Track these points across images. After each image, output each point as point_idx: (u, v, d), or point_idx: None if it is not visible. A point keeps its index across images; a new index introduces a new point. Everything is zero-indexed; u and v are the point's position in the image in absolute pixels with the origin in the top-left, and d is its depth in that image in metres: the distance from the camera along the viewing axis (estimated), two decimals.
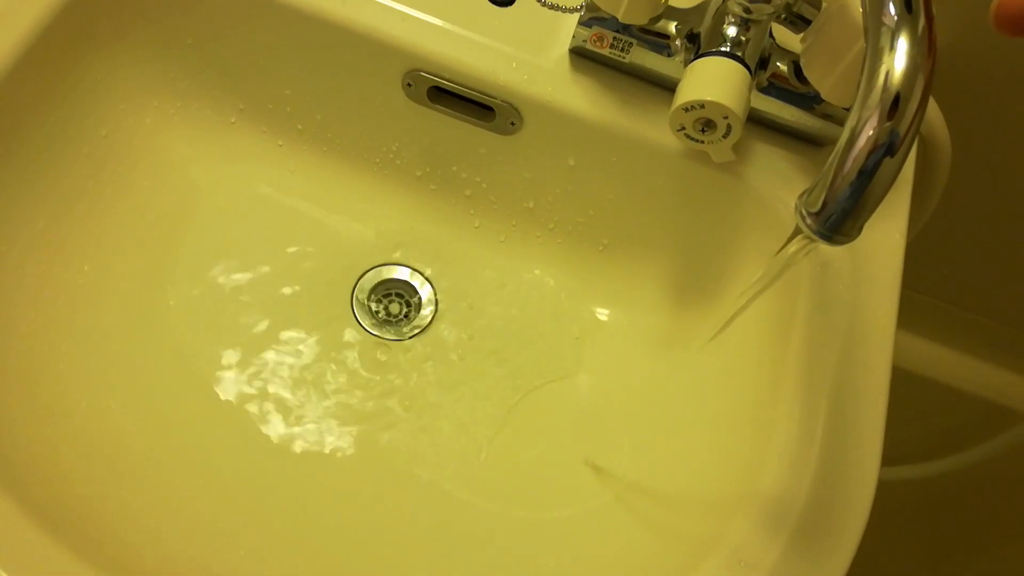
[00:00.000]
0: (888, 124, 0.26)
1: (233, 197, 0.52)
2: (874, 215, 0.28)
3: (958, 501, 0.79)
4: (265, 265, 0.51)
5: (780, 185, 0.45)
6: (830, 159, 0.27)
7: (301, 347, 0.49)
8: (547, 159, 0.49)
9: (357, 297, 0.51)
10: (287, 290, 0.50)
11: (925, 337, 0.69)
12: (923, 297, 0.67)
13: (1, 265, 0.42)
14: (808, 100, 0.44)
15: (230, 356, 0.48)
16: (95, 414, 0.43)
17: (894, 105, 0.26)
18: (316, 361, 0.49)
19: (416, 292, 0.52)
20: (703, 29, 0.42)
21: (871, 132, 0.26)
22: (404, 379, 0.49)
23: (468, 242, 0.53)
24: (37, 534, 0.34)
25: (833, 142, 0.46)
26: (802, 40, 0.41)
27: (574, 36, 0.45)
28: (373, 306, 0.51)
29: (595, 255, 0.53)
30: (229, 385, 0.47)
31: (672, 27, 0.43)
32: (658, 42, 0.44)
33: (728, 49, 0.40)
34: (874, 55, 0.27)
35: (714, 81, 0.39)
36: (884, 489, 0.40)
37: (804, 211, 0.28)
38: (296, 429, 0.47)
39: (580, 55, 0.46)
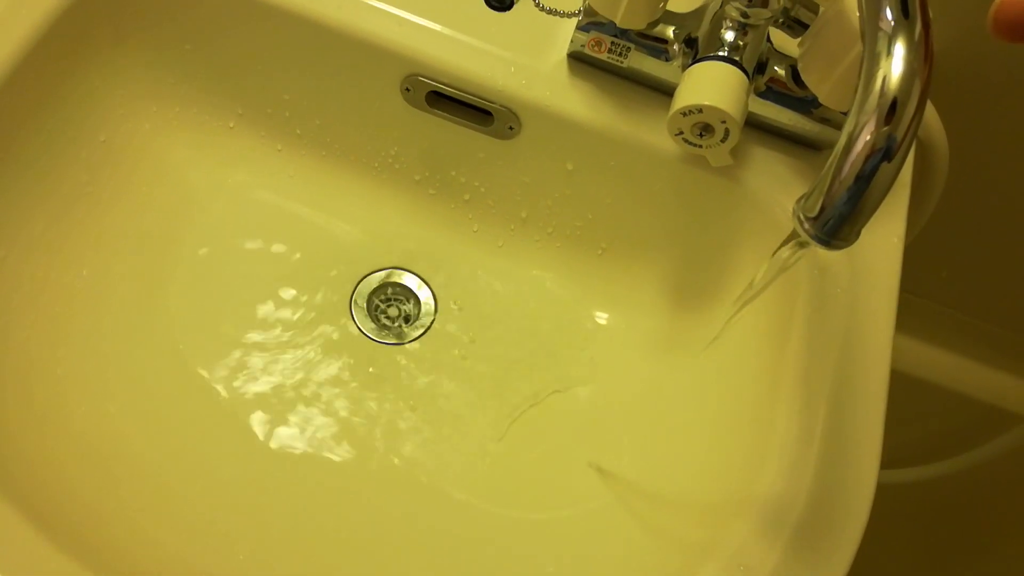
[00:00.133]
0: (885, 129, 0.26)
1: (231, 202, 0.52)
2: (872, 219, 0.28)
3: (957, 504, 0.79)
4: (263, 269, 0.51)
5: (778, 189, 0.45)
6: (827, 164, 0.28)
7: (299, 351, 0.49)
8: (545, 163, 0.49)
9: (356, 301, 0.51)
10: (285, 294, 0.50)
11: (923, 340, 0.69)
12: (921, 300, 0.67)
13: None
14: (806, 104, 0.44)
15: (228, 360, 0.48)
16: (93, 418, 0.43)
17: (891, 110, 0.26)
18: (314, 365, 0.49)
19: (415, 296, 0.52)
20: (701, 34, 0.42)
21: (868, 137, 0.26)
22: (403, 383, 0.49)
23: (467, 246, 0.53)
24: (35, 538, 0.34)
25: (831, 146, 0.46)
26: (800, 44, 0.42)
27: (572, 41, 0.45)
28: (372, 310, 0.51)
29: (594, 259, 0.53)
30: (227, 389, 0.47)
31: (670, 32, 0.43)
32: (656, 47, 0.44)
33: (726, 54, 0.40)
34: (871, 60, 0.27)
35: (712, 86, 0.39)
36: (883, 492, 0.40)
37: (802, 216, 0.28)
38: (294, 433, 0.47)
39: (578, 60, 0.46)
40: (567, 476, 0.48)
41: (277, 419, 0.47)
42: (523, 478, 0.48)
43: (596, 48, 0.45)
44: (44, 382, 0.43)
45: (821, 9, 0.41)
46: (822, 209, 0.28)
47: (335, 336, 0.50)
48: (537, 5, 0.48)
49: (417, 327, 0.51)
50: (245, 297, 0.50)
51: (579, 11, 0.48)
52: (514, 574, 0.44)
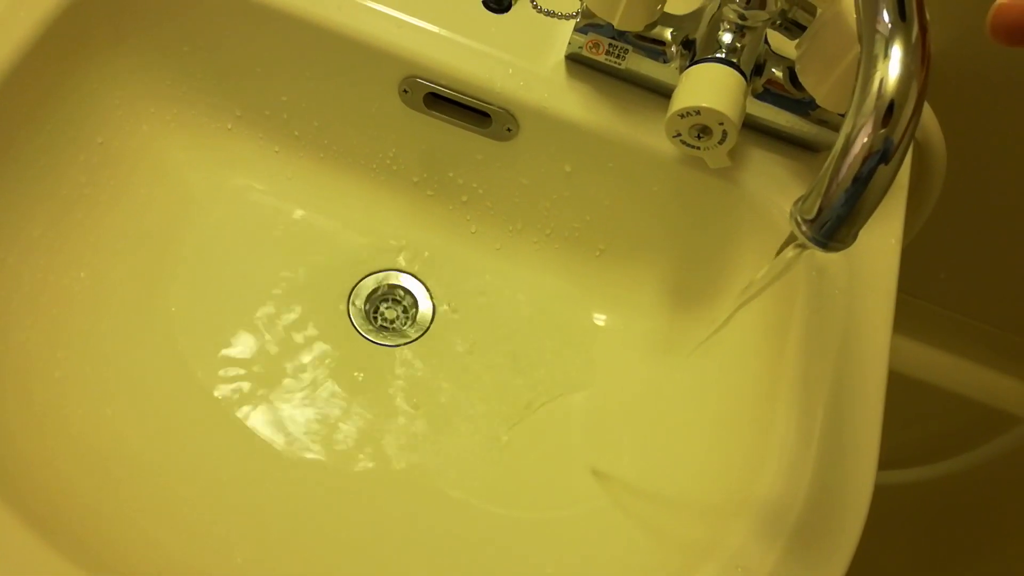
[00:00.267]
0: (883, 131, 0.26)
1: (230, 203, 0.52)
2: (870, 220, 0.28)
3: (954, 505, 0.79)
4: (261, 271, 0.51)
5: (776, 190, 0.45)
6: (825, 166, 0.28)
7: (297, 353, 0.49)
8: (543, 165, 0.49)
9: (354, 303, 0.51)
10: (283, 296, 0.50)
11: (921, 341, 0.69)
12: (919, 301, 0.67)
13: None
14: (803, 106, 0.44)
15: (227, 362, 0.48)
16: (92, 419, 0.43)
17: (888, 112, 0.26)
18: (312, 367, 0.49)
19: (413, 298, 0.52)
20: (698, 36, 0.42)
21: (866, 139, 0.26)
22: (401, 385, 0.49)
23: (465, 248, 0.53)
24: (33, 540, 0.34)
25: (828, 147, 0.46)
26: (797, 46, 0.42)
27: (570, 43, 0.45)
28: (370, 312, 0.51)
29: (592, 260, 0.53)
30: (226, 391, 0.47)
31: (668, 34, 0.43)
32: (654, 48, 0.44)
33: (723, 55, 0.40)
34: (868, 62, 0.27)
35: (710, 87, 0.39)
36: (881, 493, 0.40)
37: (799, 218, 0.28)
38: (292, 434, 0.47)
39: (576, 62, 0.46)
40: (566, 477, 0.48)
41: (275, 421, 0.47)
42: (522, 479, 0.48)
43: (594, 50, 0.45)
44: (43, 384, 0.43)
45: (819, 11, 0.41)
46: (819, 211, 0.28)
47: (333, 338, 0.50)
48: (535, 7, 0.48)
49: (415, 329, 0.51)
50: (243, 299, 0.50)
51: (577, 13, 0.48)
52: (514, 575, 0.44)
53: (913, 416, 0.71)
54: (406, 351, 0.51)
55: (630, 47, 0.44)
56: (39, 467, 0.40)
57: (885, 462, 0.41)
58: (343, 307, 0.51)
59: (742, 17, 0.40)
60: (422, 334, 0.51)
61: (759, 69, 0.43)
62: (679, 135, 0.40)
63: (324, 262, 0.52)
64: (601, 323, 0.53)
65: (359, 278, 0.52)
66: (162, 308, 0.48)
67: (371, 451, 0.47)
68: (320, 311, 0.50)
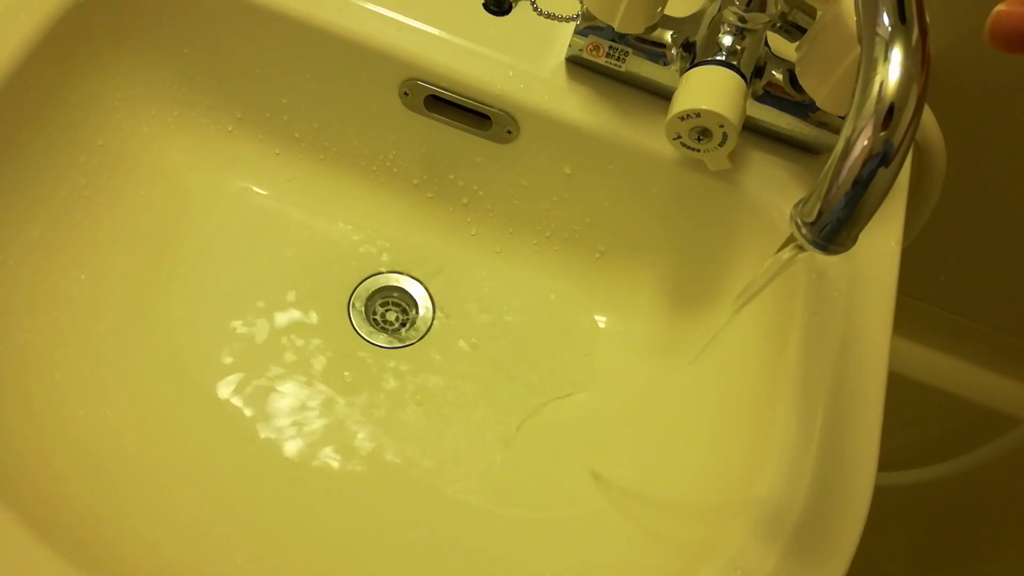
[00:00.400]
0: (883, 134, 0.26)
1: (230, 205, 0.52)
2: (870, 222, 0.28)
3: (954, 506, 0.79)
4: (261, 274, 0.51)
5: (776, 192, 0.45)
6: (825, 169, 0.28)
7: (296, 355, 0.49)
8: (544, 167, 0.49)
9: (354, 305, 0.51)
10: (282, 298, 0.50)
11: (921, 343, 0.69)
12: (919, 303, 0.67)
13: None
14: (803, 108, 0.44)
15: (226, 364, 0.48)
16: (91, 422, 0.43)
17: (888, 115, 0.26)
18: (312, 369, 0.49)
19: (413, 300, 0.52)
20: (699, 38, 0.42)
21: (866, 142, 0.26)
22: (400, 387, 0.49)
23: (465, 250, 0.53)
24: (32, 542, 0.34)
25: (828, 150, 0.46)
26: (797, 49, 0.42)
27: (570, 45, 0.45)
28: (370, 314, 0.51)
29: (592, 262, 0.53)
30: (225, 393, 0.47)
31: (668, 36, 0.43)
32: (654, 51, 0.44)
33: (723, 58, 0.40)
34: (868, 65, 0.27)
35: (710, 90, 0.39)
36: (880, 494, 0.40)
37: (799, 221, 0.28)
38: (292, 436, 0.47)
39: (576, 64, 0.47)
40: (566, 479, 0.48)
41: (274, 423, 0.47)
42: (522, 480, 0.48)
43: (594, 52, 0.45)
44: (42, 385, 0.43)
45: (818, 14, 0.41)
46: (819, 214, 0.28)
47: (333, 340, 0.50)
48: (535, 9, 0.48)
49: (415, 331, 0.51)
50: (243, 301, 0.50)
51: (577, 15, 0.48)
52: None
53: (913, 418, 0.71)
54: (406, 353, 0.51)
55: (630, 49, 0.44)
56: (38, 468, 0.40)
57: (885, 463, 0.41)
58: (343, 309, 0.51)
59: (742, 20, 0.40)
60: (422, 336, 0.51)
61: (759, 71, 0.43)
62: (679, 137, 0.41)
63: (324, 264, 0.52)
64: (601, 324, 0.53)
65: (359, 280, 0.52)
66: (161, 310, 0.48)
67: (371, 452, 0.47)
68: (320, 313, 0.50)
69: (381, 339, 0.51)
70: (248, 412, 0.47)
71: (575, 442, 0.49)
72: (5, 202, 0.43)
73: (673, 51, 0.43)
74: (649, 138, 0.46)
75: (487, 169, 0.51)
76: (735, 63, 0.40)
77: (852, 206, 0.27)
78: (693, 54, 0.42)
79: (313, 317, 0.50)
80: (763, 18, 0.40)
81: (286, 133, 0.52)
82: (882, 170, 0.26)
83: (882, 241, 0.45)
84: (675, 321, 0.51)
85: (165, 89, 0.50)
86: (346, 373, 0.49)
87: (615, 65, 0.45)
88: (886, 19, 0.27)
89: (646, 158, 0.46)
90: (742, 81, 0.40)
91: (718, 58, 0.40)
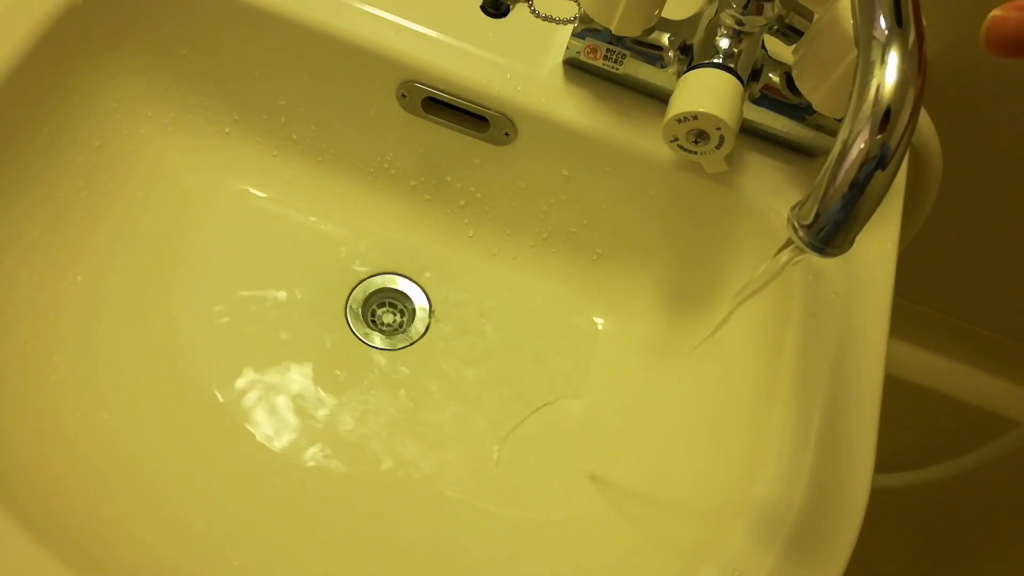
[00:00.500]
0: (879, 137, 0.26)
1: (227, 207, 0.52)
2: (866, 224, 0.28)
3: (950, 508, 0.79)
4: (259, 275, 0.51)
5: (772, 195, 0.46)
6: (822, 172, 0.28)
7: (295, 357, 0.49)
8: (541, 169, 0.49)
9: (351, 307, 0.51)
10: (280, 300, 0.50)
11: (917, 345, 0.69)
12: (915, 305, 0.67)
13: None
14: (800, 111, 0.44)
15: (224, 366, 0.48)
16: (88, 425, 0.43)
17: (885, 119, 0.26)
18: (310, 371, 0.49)
19: (411, 302, 0.52)
20: (696, 41, 0.42)
21: (862, 145, 0.26)
22: (397, 388, 0.49)
23: (462, 252, 0.53)
24: (30, 544, 0.34)
25: (825, 152, 0.46)
26: (794, 52, 0.42)
27: (568, 48, 0.45)
28: (367, 316, 0.51)
29: (589, 264, 0.53)
30: (223, 395, 0.47)
31: (665, 39, 0.43)
32: (651, 54, 0.44)
33: (721, 61, 0.40)
34: (865, 69, 0.27)
35: (707, 93, 0.39)
36: (876, 496, 0.40)
37: (796, 224, 0.29)
38: (290, 438, 0.47)
39: (574, 66, 0.47)
40: (564, 480, 0.48)
41: (272, 425, 0.47)
42: (520, 481, 0.48)
43: (591, 55, 0.45)
44: (40, 387, 0.43)
45: (815, 16, 0.41)
46: (816, 217, 0.28)
47: (330, 342, 0.50)
48: (533, 12, 0.49)
49: (412, 333, 0.51)
50: (241, 302, 0.50)
51: (575, 18, 0.48)
52: None
53: (909, 420, 0.72)
54: (404, 355, 0.51)
55: (628, 52, 0.44)
56: (36, 470, 0.40)
57: (881, 466, 0.41)
58: (340, 311, 0.51)
59: (739, 22, 0.40)
60: (419, 338, 0.51)
61: (756, 74, 0.43)
62: (676, 140, 0.41)
63: (321, 266, 0.52)
64: (598, 326, 0.53)
65: (356, 282, 0.52)
66: (160, 311, 0.48)
67: (367, 455, 0.47)
68: (317, 315, 0.50)
69: (378, 341, 0.51)
70: (246, 414, 0.47)
71: (573, 443, 0.49)
72: (3, 203, 0.43)
73: (670, 54, 0.43)
74: (646, 140, 0.46)
75: (485, 171, 0.51)
76: (732, 66, 0.40)
77: (849, 209, 0.27)
78: (690, 57, 0.42)
79: (310, 319, 0.50)
80: (760, 21, 0.40)
81: (284, 135, 0.52)
82: (879, 173, 0.27)
83: (879, 243, 0.46)
84: (673, 322, 0.51)
85: (163, 91, 0.50)
86: (343, 375, 0.49)
87: (612, 67, 0.45)
88: (883, 22, 0.27)
89: (643, 160, 0.46)
90: (739, 84, 0.40)
91: (715, 61, 0.40)
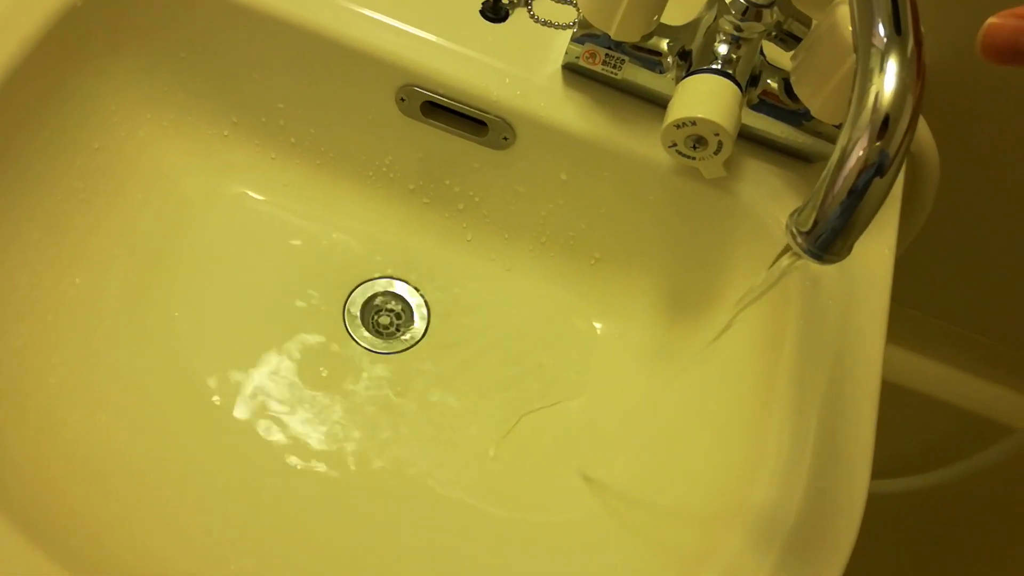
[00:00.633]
0: (878, 145, 0.26)
1: (226, 210, 0.52)
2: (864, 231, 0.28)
3: (947, 514, 0.79)
4: (256, 278, 0.51)
5: (771, 200, 0.46)
6: (820, 179, 0.28)
7: (293, 360, 0.49)
8: (540, 174, 0.49)
9: (349, 310, 0.51)
10: (278, 303, 0.50)
11: (914, 351, 0.69)
12: (912, 311, 0.67)
13: None
14: (798, 117, 0.44)
15: (222, 369, 0.48)
16: (86, 427, 0.43)
17: (884, 126, 0.26)
18: (308, 374, 0.49)
19: (408, 305, 0.52)
20: (694, 47, 0.42)
21: (861, 152, 0.27)
22: (396, 392, 0.49)
23: (460, 255, 0.53)
24: (27, 548, 0.34)
25: (823, 158, 0.46)
26: (792, 58, 0.42)
27: (567, 52, 0.46)
28: (365, 319, 0.51)
29: (587, 268, 0.53)
30: (221, 398, 0.47)
31: (664, 44, 0.43)
32: (650, 59, 0.44)
33: (719, 66, 0.40)
34: (864, 76, 0.27)
35: (705, 98, 0.39)
36: (873, 501, 0.40)
37: (795, 230, 0.29)
38: (288, 441, 0.46)
39: (573, 71, 0.47)
40: (562, 483, 0.48)
41: (271, 428, 0.47)
42: (518, 485, 0.48)
43: (590, 60, 0.45)
44: (38, 390, 0.43)
45: (814, 23, 0.41)
46: (815, 223, 0.28)
47: (329, 345, 0.50)
48: (532, 17, 0.49)
49: (410, 336, 0.51)
50: (239, 305, 0.50)
51: (574, 23, 0.48)
52: None
53: (906, 425, 0.72)
54: (401, 358, 0.51)
55: (626, 57, 0.44)
56: (34, 473, 0.40)
57: (878, 471, 0.41)
58: (338, 314, 0.51)
59: (738, 29, 0.40)
60: (417, 341, 0.51)
61: (754, 80, 0.43)
62: (675, 145, 0.41)
63: (319, 269, 0.52)
64: (597, 331, 0.53)
65: (354, 285, 0.52)
66: (157, 314, 0.48)
67: (367, 456, 0.47)
68: (315, 318, 0.50)
69: (376, 344, 0.51)
70: (244, 417, 0.47)
71: (571, 447, 0.49)
72: (1, 204, 0.43)
73: (669, 59, 0.44)
74: (645, 145, 0.46)
75: (483, 175, 0.51)
76: (731, 72, 0.40)
77: (847, 216, 0.27)
78: (689, 62, 0.43)
79: (308, 322, 0.50)
80: (759, 27, 0.40)
81: (282, 138, 0.52)
82: (877, 180, 0.27)
83: (876, 249, 0.46)
84: (671, 327, 0.51)
85: (162, 93, 0.50)
86: (341, 377, 0.49)
87: (611, 73, 0.45)
88: (882, 30, 0.27)
89: (642, 165, 0.46)
90: (737, 90, 0.40)
91: (714, 67, 0.40)
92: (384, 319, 0.52)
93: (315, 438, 0.47)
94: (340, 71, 0.48)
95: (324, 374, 0.49)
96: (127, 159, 0.50)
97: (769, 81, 0.43)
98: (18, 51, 0.42)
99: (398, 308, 0.52)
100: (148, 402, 0.46)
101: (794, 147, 0.46)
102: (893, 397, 0.47)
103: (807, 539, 0.38)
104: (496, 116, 0.46)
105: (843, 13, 0.38)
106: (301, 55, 0.48)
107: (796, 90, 0.42)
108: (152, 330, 0.48)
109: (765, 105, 0.44)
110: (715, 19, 0.41)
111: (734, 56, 0.41)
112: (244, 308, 0.50)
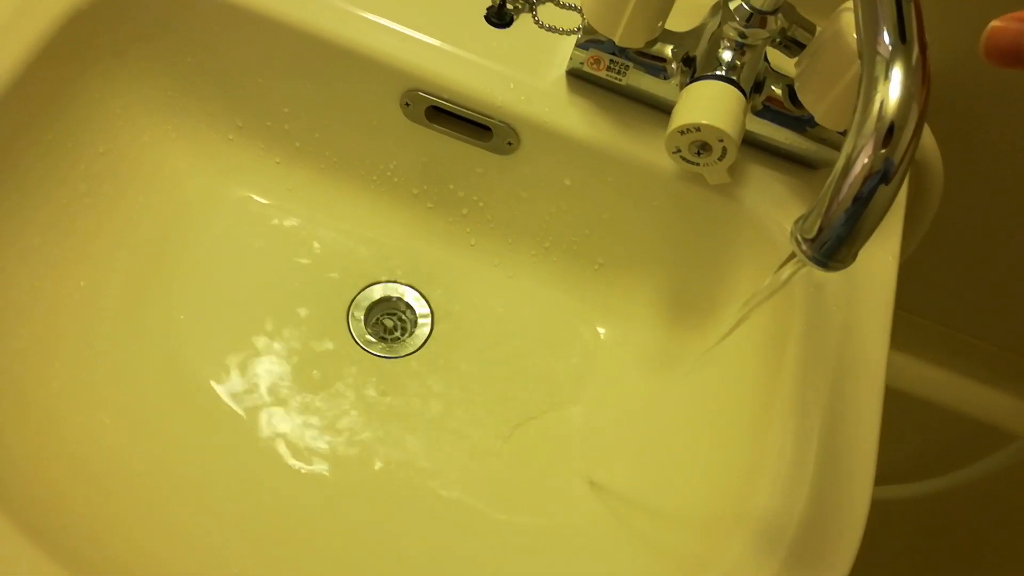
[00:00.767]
0: (883, 152, 0.26)
1: (230, 214, 0.52)
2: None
3: (950, 520, 0.79)
4: (260, 282, 0.51)
5: (774, 206, 0.46)
6: (825, 186, 0.28)
7: (295, 364, 0.49)
8: (543, 179, 0.49)
9: (353, 314, 0.51)
10: (281, 307, 0.50)
11: (917, 357, 0.69)
12: (915, 317, 0.67)
13: None
14: (802, 123, 0.44)
15: (224, 373, 0.48)
16: (87, 430, 0.43)
17: (889, 134, 0.26)
18: (309, 378, 0.49)
19: (412, 310, 0.52)
20: (699, 53, 0.42)
21: (866, 160, 0.27)
22: (398, 395, 0.49)
23: (464, 260, 0.53)
24: (28, 549, 0.34)
25: (827, 165, 0.46)
26: (796, 64, 0.42)
27: (571, 58, 0.46)
28: (368, 323, 0.51)
29: (591, 274, 0.53)
30: (222, 402, 0.47)
31: (668, 50, 0.43)
32: (654, 65, 0.44)
33: (723, 73, 0.40)
34: (869, 84, 0.27)
35: (709, 104, 0.39)
36: (876, 508, 0.40)
37: (800, 237, 0.29)
38: (288, 444, 0.46)
39: (577, 77, 0.47)
40: (563, 489, 0.48)
41: (272, 431, 0.47)
42: (519, 491, 0.48)
43: (595, 66, 0.45)
44: (39, 392, 0.43)
45: (818, 30, 0.41)
46: (820, 230, 0.28)
47: (331, 348, 0.50)
48: (536, 22, 0.49)
49: (413, 340, 0.51)
50: (242, 309, 0.50)
51: (578, 29, 0.48)
52: None
53: (909, 431, 0.72)
54: (404, 362, 0.51)
55: (631, 63, 0.44)
56: (35, 475, 0.40)
57: (881, 477, 0.41)
58: (342, 318, 0.51)
59: (742, 35, 0.40)
60: (420, 346, 0.51)
61: (759, 86, 0.43)
62: (679, 151, 0.41)
63: (323, 273, 0.52)
64: (600, 336, 0.53)
65: (358, 289, 0.52)
66: (160, 317, 0.48)
67: (369, 459, 0.47)
68: (319, 322, 0.50)
69: (380, 348, 0.51)
70: (245, 420, 0.47)
71: (573, 452, 0.49)
72: (5, 207, 0.43)
73: (673, 65, 0.44)
74: (649, 151, 0.46)
75: (487, 180, 0.51)
76: (735, 78, 0.40)
77: (852, 223, 0.27)
78: (693, 68, 0.43)
79: (312, 326, 0.50)
80: (763, 34, 0.40)
81: (287, 142, 0.52)
82: (882, 187, 0.27)
83: (879, 255, 0.46)
84: (673, 332, 0.51)
85: (166, 97, 0.51)
86: (344, 381, 0.49)
87: (615, 78, 0.45)
88: (887, 38, 0.28)
89: (646, 171, 0.46)
90: (742, 96, 0.40)
91: (718, 73, 0.40)
92: (388, 323, 0.52)
93: (316, 441, 0.47)
94: (345, 76, 0.48)
95: (326, 378, 0.49)
96: (131, 162, 0.50)
97: (773, 87, 0.43)
98: (23, 55, 0.42)
99: (402, 312, 0.52)
100: (149, 404, 0.46)
101: (798, 153, 0.46)
102: (896, 403, 0.47)
103: (810, 545, 0.38)
104: (500, 121, 0.47)
105: (847, 20, 0.38)
106: (306, 60, 0.48)
107: (800, 96, 0.42)
108: (154, 332, 0.48)
109: (769, 111, 0.44)
110: (719, 25, 0.41)
111: (738, 62, 0.41)
112: (246, 311, 0.50)
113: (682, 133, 0.40)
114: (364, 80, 0.47)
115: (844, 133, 0.28)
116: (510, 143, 0.48)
